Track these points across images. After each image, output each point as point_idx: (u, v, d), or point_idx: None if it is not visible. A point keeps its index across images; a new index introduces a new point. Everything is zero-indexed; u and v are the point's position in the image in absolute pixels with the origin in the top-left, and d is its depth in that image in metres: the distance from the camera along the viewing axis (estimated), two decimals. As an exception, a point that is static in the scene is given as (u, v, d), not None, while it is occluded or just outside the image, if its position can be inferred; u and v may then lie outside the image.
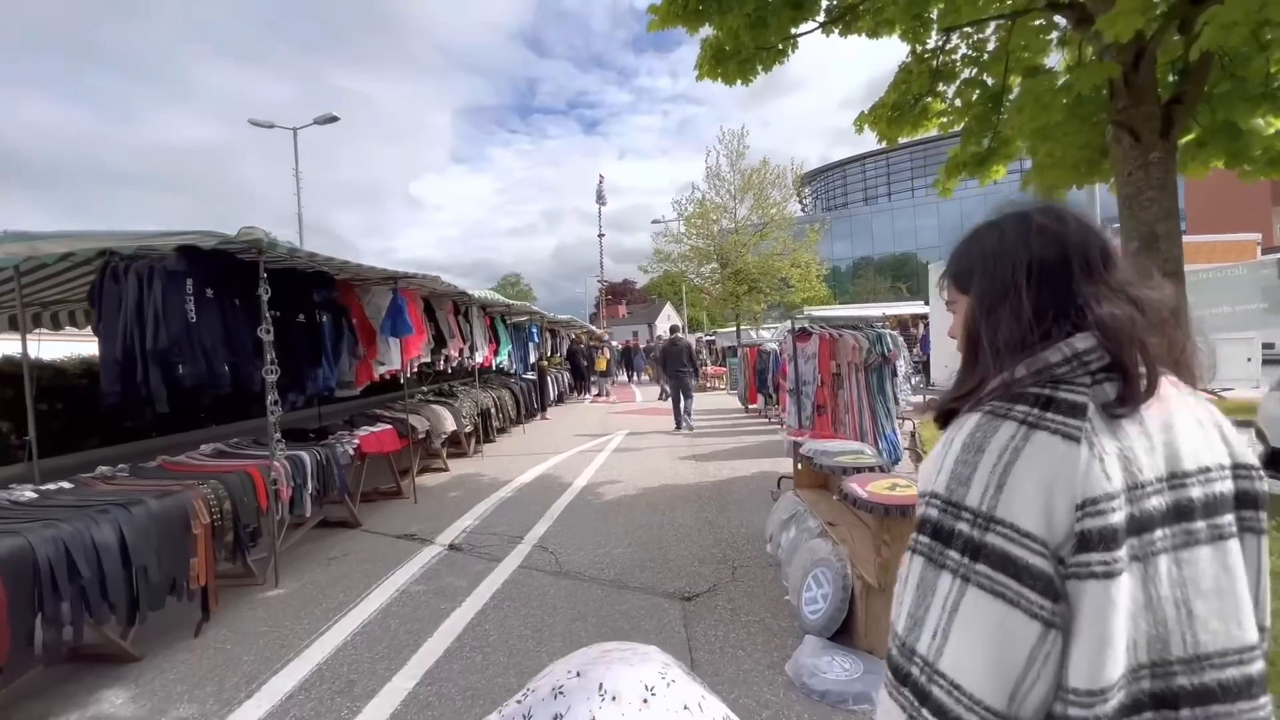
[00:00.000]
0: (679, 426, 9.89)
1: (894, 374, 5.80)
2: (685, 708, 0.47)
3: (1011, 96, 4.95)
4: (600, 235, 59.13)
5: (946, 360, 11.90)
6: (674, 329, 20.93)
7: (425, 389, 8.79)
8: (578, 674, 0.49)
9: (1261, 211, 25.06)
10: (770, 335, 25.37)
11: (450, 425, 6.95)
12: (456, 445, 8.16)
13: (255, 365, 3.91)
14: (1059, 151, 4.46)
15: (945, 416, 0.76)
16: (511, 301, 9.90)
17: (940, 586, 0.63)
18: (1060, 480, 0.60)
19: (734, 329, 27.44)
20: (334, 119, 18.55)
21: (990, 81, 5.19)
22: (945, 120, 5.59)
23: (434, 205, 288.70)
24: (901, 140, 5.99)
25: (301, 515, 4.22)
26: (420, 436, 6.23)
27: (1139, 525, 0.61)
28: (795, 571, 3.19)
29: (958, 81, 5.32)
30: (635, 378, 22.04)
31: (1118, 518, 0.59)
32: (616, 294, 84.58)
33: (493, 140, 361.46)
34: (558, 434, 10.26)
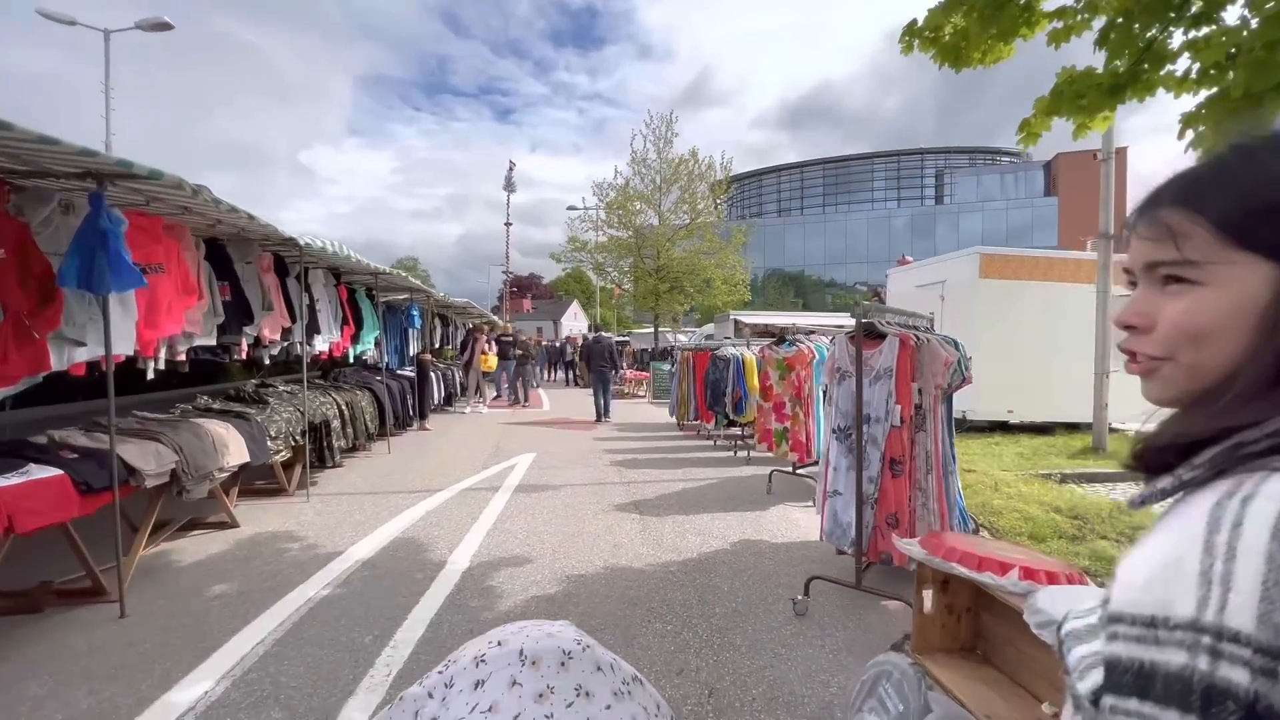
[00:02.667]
0: (599, 418, 10.82)
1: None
2: (599, 669, 0.49)
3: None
4: (507, 224, 55.44)
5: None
6: (597, 328, 18.93)
7: (252, 385, 5.71)
8: (498, 643, 0.50)
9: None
10: (693, 338, 23.73)
11: (235, 456, 4.09)
12: (273, 477, 5.25)
13: None
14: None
15: (1176, 454, 0.42)
16: (382, 267, 7.04)
17: None
18: None
19: (649, 330, 25.69)
20: (166, 26, 14.33)
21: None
22: (1062, 25, 3.69)
23: (326, 178, 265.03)
24: (977, 66, 4.12)
25: None
26: (154, 480, 3.35)
27: None
28: None
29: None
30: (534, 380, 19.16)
31: None
32: (522, 288, 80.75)
33: (394, 116, 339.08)
34: (436, 456, 7.49)
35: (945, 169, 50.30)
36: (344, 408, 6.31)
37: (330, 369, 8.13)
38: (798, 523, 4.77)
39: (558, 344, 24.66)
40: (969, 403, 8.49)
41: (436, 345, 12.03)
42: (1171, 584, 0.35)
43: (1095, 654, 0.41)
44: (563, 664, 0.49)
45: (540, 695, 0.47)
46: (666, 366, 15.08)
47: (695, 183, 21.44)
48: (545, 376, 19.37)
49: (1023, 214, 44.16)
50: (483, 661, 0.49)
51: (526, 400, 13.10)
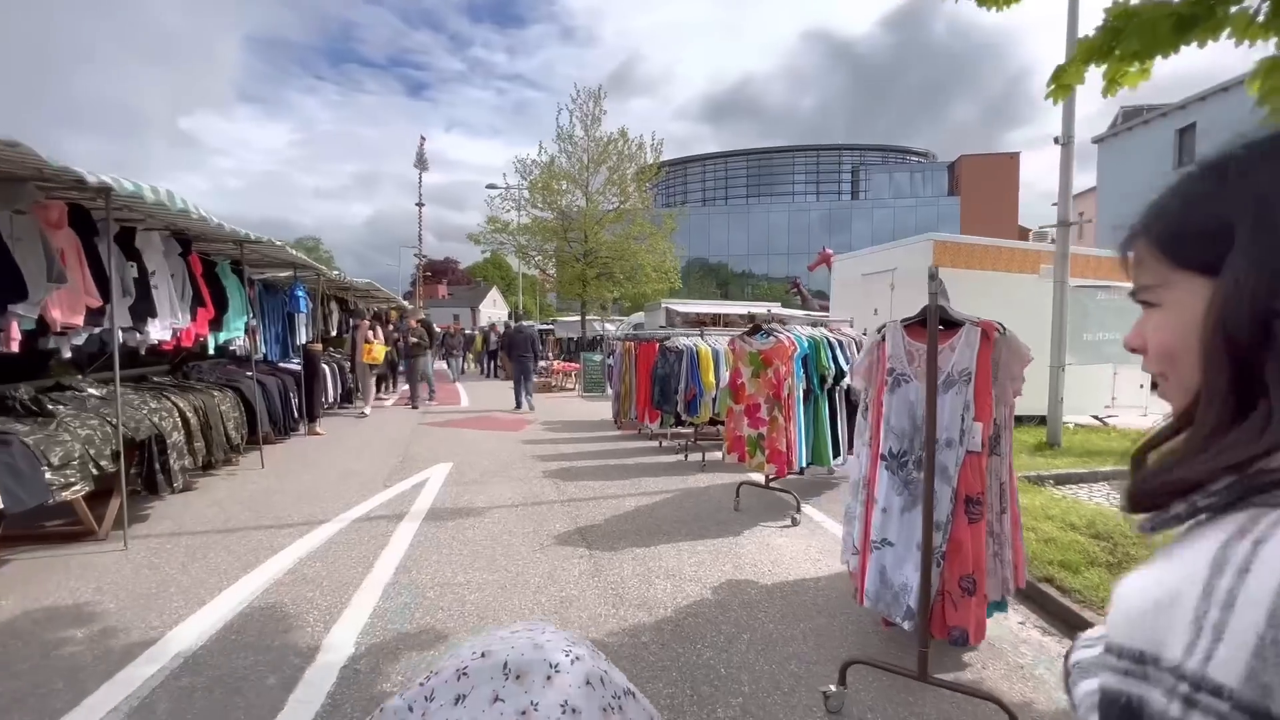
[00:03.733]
0: (518, 406, 10.82)
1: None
2: (588, 682, 0.46)
3: None
4: (419, 205, 52.09)
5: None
6: (519, 317, 17.70)
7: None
8: (482, 654, 0.48)
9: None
10: (619, 327, 22.76)
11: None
12: (73, 515, 3.75)
13: None
14: None
15: (1164, 495, 0.40)
16: (249, 234, 5.49)
17: None
18: None
19: (575, 319, 24.49)
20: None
21: None
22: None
23: (213, 148, 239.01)
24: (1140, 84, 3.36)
25: None
26: None
27: None
28: None
29: None
30: (456, 368, 17.32)
31: None
32: (437, 272, 76.55)
33: (293, 83, 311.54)
34: (325, 471, 6.06)
35: (860, 165, 52.24)
36: (190, 415, 4.79)
37: (183, 363, 6.43)
38: (782, 553, 3.93)
39: (471, 332, 22.88)
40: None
41: (334, 333, 10.31)
42: (1164, 623, 0.35)
43: (1089, 666, 0.41)
44: (549, 678, 0.46)
45: (523, 713, 0.44)
46: (598, 357, 14.05)
47: (625, 164, 20.38)
48: (463, 369, 17.60)
49: (929, 211, 46.60)
50: (464, 674, 0.47)
51: (431, 398, 11.34)
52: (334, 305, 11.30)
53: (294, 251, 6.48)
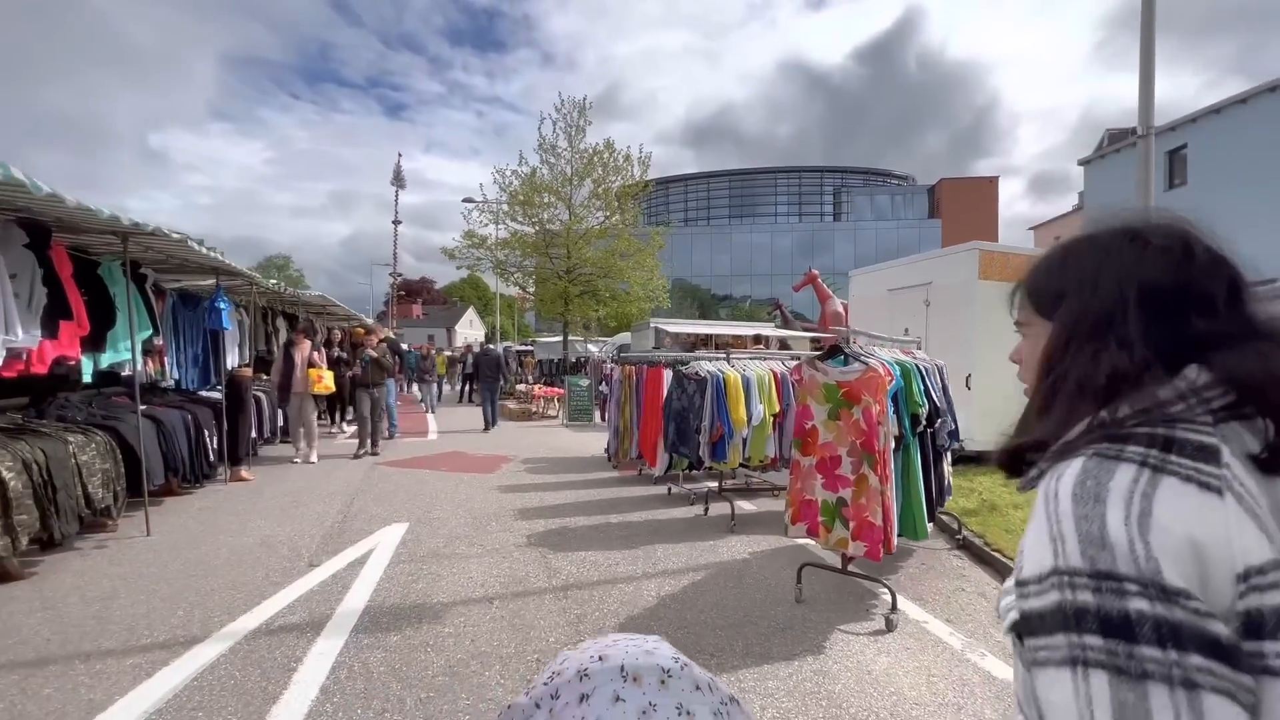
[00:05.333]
0: (487, 427, 11.11)
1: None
2: (697, 688, 0.49)
3: None
4: (396, 222, 50.61)
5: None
6: (486, 340, 16.33)
7: None
8: (599, 658, 0.51)
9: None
10: (605, 349, 21.42)
11: None
12: None
13: None
14: None
15: (1014, 461, 0.64)
16: (141, 224, 4.05)
17: (1158, 713, 0.42)
18: (1211, 540, 0.46)
19: (556, 339, 23.11)
20: None
21: None
22: None
23: (183, 164, 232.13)
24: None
25: None
26: None
27: None
28: None
29: None
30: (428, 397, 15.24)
31: None
32: (412, 292, 74.53)
33: (267, 101, 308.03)
34: (235, 537, 4.54)
35: (842, 187, 52.20)
36: (10, 475, 3.28)
37: (46, 393, 4.87)
38: (891, 684, 2.60)
39: (436, 353, 21.14)
40: (966, 427, 6.92)
41: (270, 352, 8.72)
42: (1040, 550, 0.52)
43: (1009, 606, 0.54)
44: (663, 682, 0.49)
45: (643, 712, 0.46)
46: (584, 382, 12.67)
47: (610, 176, 19.28)
48: (439, 395, 15.68)
49: (911, 233, 46.54)
50: (586, 676, 0.49)
51: (391, 434, 9.22)
52: (281, 323, 9.78)
53: (206, 250, 5.03)
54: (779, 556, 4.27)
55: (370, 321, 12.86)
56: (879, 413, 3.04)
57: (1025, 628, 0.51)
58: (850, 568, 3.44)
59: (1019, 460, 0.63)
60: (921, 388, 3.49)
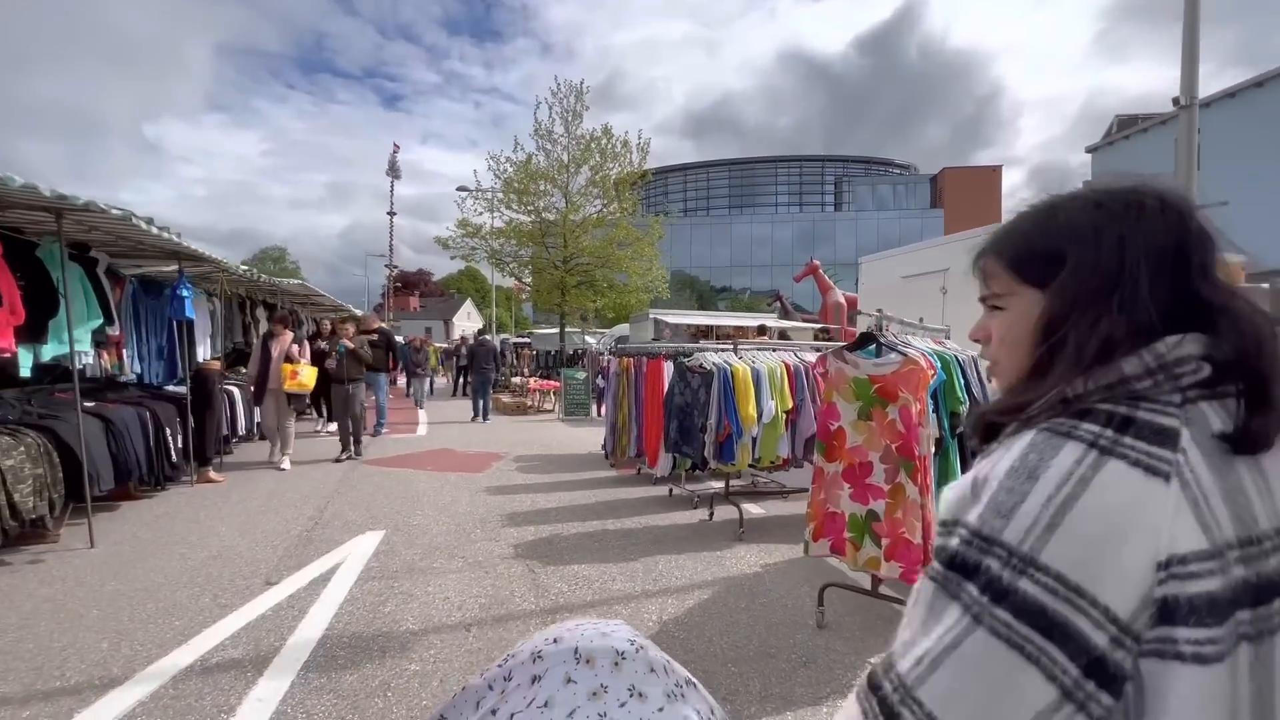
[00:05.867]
0: (475, 417, 11.30)
1: None
2: (651, 670, 0.49)
3: None
4: (391, 214, 50.00)
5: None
6: (481, 331, 16.07)
7: None
8: (554, 640, 0.51)
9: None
10: (603, 341, 20.93)
11: None
12: None
13: None
14: None
15: (989, 429, 0.61)
16: (68, 197, 3.57)
17: (947, 616, 0.51)
18: (1138, 527, 0.47)
19: (553, 331, 22.63)
20: None
21: None
22: None
23: (178, 155, 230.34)
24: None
25: None
26: None
27: (1255, 593, 0.48)
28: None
29: None
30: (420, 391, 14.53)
31: (1218, 583, 0.46)
32: (409, 284, 73.83)
33: (262, 91, 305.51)
34: (190, 549, 4.08)
35: (843, 177, 51.56)
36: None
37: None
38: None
39: (430, 346, 20.61)
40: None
41: (242, 345, 8.22)
42: (957, 497, 0.55)
43: (938, 543, 0.56)
44: (616, 664, 0.48)
45: (594, 694, 0.46)
46: (581, 375, 12.21)
47: (608, 163, 18.71)
48: (430, 389, 15.03)
49: (914, 223, 45.96)
50: (539, 658, 0.49)
51: (357, 447, 7.18)
52: (261, 313, 9.29)
53: (158, 230, 4.53)
54: (794, 570, 3.83)
55: (363, 312, 12.25)
56: (919, 412, 2.58)
57: (939, 555, 0.54)
58: (881, 589, 3.00)
59: (997, 430, 0.60)
60: (963, 382, 3.03)
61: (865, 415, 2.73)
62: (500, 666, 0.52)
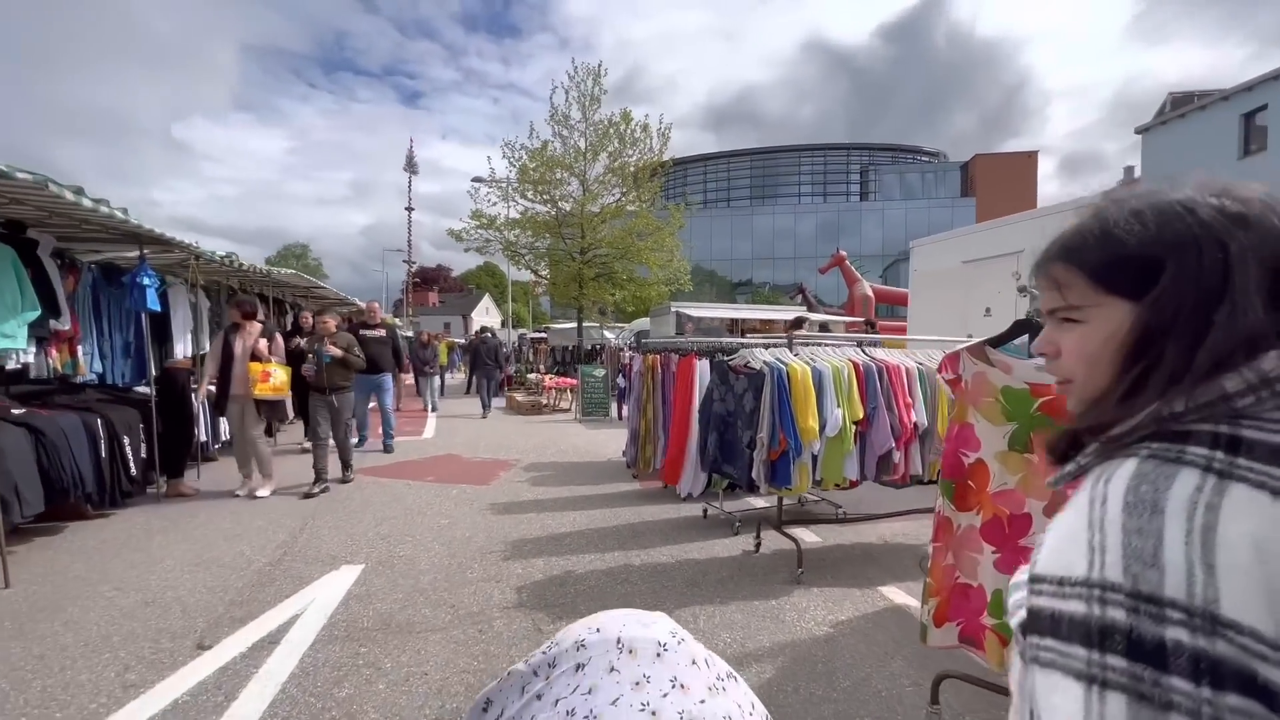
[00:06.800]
0: (485, 413, 11.50)
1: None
2: (694, 662, 0.49)
3: None
4: (409, 209, 49.85)
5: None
6: (482, 329, 15.49)
7: None
8: (597, 629, 0.51)
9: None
10: (624, 336, 20.11)
11: None
12: None
13: None
14: None
15: (1071, 444, 0.57)
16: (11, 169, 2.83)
17: None
18: None
19: (570, 326, 21.87)
20: None
21: None
22: None
23: (204, 155, 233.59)
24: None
25: None
26: None
27: None
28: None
29: None
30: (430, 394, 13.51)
31: None
32: (428, 280, 73.83)
33: (286, 90, 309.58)
34: (120, 593, 3.32)
35: (870, 165, 49.84)
36: None
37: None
38: None
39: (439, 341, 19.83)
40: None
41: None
42: (1071, 551, 0.46)
43: (1020, 601, 0.50)
44: (658, 655, 0.49)
45: (636, 683, 0.46)
46: (600, 372, 11.39)
47: (627, 149, 17.82)
48: (441, 390, 13.89)
49: (944, 213, 44.24)
50: (583, 646, 0.50)
51: (345, 471, 5.79)
52: (232, 307, 8.60)
53: (97, 205, 3.78)
54: (876, 632, 2.95)
55: (359, 302, 11.25)
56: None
57: (1032, 625, 0.47)
58: (1025, 686, 2.11)
59: (1078, 448, 0.56)
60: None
61: (1021, 443, 1.83)
62: (544, 653, 0.51)
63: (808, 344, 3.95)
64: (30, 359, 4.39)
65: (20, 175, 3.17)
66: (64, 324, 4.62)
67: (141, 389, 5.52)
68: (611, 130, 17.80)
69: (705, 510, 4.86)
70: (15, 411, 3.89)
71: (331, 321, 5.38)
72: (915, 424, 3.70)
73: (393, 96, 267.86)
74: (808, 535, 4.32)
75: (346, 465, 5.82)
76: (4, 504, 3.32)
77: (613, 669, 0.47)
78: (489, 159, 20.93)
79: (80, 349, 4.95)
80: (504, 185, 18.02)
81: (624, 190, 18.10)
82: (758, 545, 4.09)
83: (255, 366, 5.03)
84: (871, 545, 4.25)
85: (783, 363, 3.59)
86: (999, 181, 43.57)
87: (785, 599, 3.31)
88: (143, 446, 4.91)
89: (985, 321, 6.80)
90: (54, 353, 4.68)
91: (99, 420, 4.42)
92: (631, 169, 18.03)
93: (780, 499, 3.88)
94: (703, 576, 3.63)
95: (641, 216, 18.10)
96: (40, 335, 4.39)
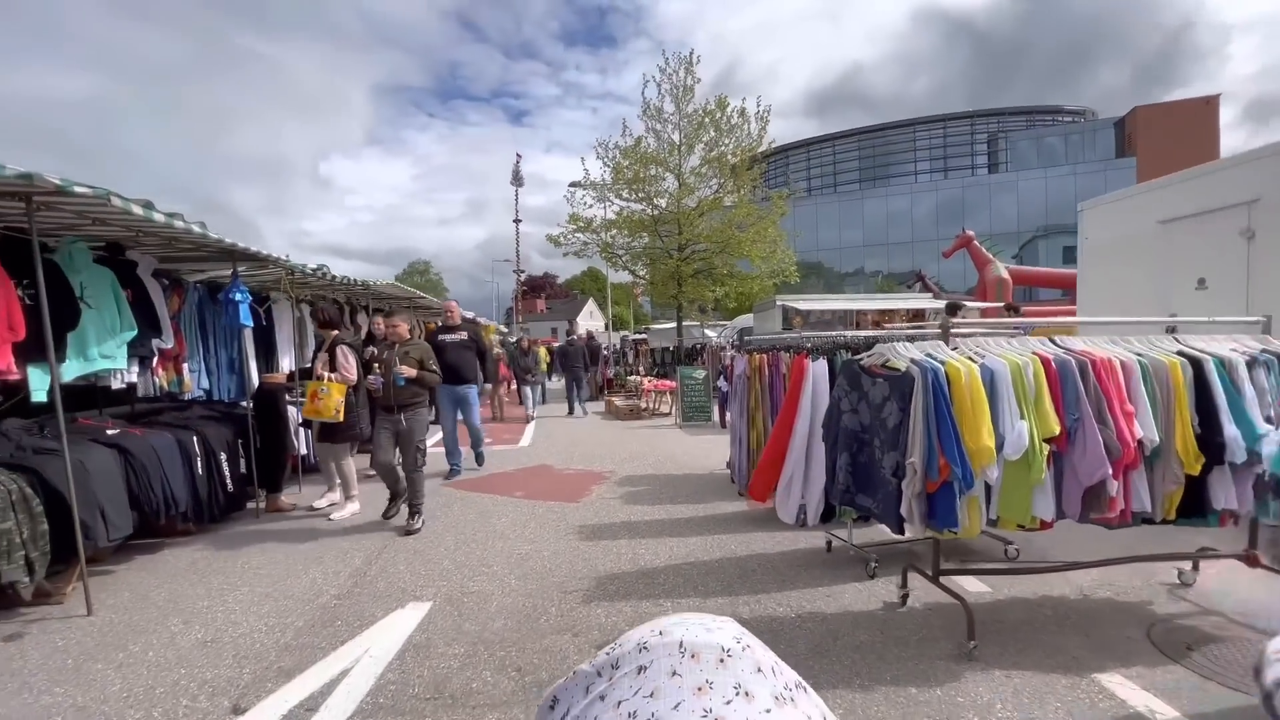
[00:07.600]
0: (571, 412, 12.13)
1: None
2: (759, 670, 0.46)
3: None
4: (517, 221, 52.12)
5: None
6: (570, 331, 15.88)
7: None
8: (660, 633, 0.49)
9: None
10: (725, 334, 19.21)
11: None
12: None
13: None
14: None
15: None
16: (35, 175, 2.72)
17: None
18: None
19: (670, 326, 21.31)
20: None
21: None
22: None
23: (344, 187, 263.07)
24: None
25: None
26: None
27: None
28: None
29: None
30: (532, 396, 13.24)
31: None
32: (535, 288, 76.97)
33: (408, 123, 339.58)
34: (188, 626, 3.11)
35: (999, 133, 44.49)
36: None
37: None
38: None
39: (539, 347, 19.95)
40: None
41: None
42: None
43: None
44: (721, 660, 0.46)
45: (699, 689, 0.43)
46: (700, 374, 10.63)
47: (723, 138, 16.89)
48: (542, 398, 13.39)
49: (1093, 179, 38.42)
50: (645, 649, 0.48)
51: (414, 507, 4.72)
52: (363, 319, 8.83)
53: (196, 227, 3.69)
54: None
55: (443, 302, 8.56)
56: None
57: None
58: None
59: None
60: None
61: None
62: (608, 655, 0.49)
63: (972, 334, 2.97)
64: (134, 378, 4.47)
65: (79, 189, 3.05)
66: (166, 342, 4.70)
67: (245, 404, 5.62)
68: (707, 119, 16.96)
69: (829, 542, 3.97)
70: (110, 432, 3.91)
71: (403, 325, 4.80)
72: (1140, 440, 2.60)
73: (501, 117, 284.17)
74: (970, 583, 3.31)
75: (414, 510, 4.67)
76: (85, 528, 3.24)
77: (675, 673, 0.45)
78: (582, 160, 20.62)
79: (186, 366, 5.05)
80: (599, 187, 17.80)
81: (721, 181, 17.19)
82: (904, 597, 3.16)
83: (312, 385, 4.80)
84: (1065, 601, 3.16)
85: (938, 360, 2.66)
86: (1167, 135, 37.09)
87: (955, 686, 2.40)
88: (241, 462, 4.91)
89: (1196, 297, 5.23)
90: (160, 371, 4.78)
91: (195, 437, 4.41)
92: (730, 158, 17.10)
93: (937, 539, 2.93)
94: (833, 641, 2.79)
95: (741, 206, 17.10)
96: (143, 354, 4.46)
